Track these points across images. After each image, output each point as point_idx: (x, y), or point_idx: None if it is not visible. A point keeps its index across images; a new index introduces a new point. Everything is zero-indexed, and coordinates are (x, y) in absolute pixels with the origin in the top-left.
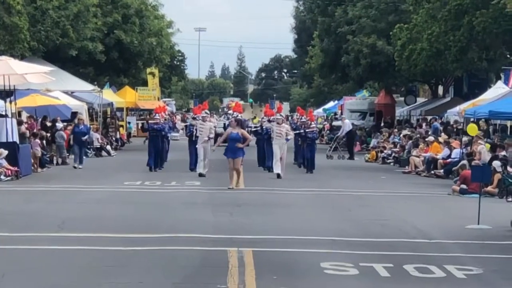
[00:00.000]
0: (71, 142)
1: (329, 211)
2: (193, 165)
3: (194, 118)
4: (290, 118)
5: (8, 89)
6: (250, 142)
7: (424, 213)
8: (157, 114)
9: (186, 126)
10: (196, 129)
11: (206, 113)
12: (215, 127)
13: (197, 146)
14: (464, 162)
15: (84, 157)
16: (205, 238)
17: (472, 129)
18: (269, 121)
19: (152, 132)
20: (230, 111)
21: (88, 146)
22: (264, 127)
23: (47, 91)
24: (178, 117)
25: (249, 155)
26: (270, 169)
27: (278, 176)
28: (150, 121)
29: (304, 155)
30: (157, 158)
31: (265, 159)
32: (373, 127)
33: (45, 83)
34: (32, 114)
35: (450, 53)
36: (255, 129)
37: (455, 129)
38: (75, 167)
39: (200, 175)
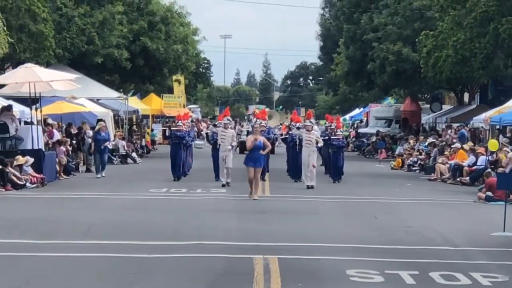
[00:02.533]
0: (91, 150)
1: (354, 219)
2: (218, 176)
3: (215, 126)
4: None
5: (34, 96)
6: (275, 150)
7: (449, 220)
8: (179, 121)
9: (207, 134)
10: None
11: (228, 119)
12: (239, 134)
13: (220, 154)
14: (489, 170)
15: (106, 165)
16: (230, 245)
17: (493, 145)
18: (297, 128)
19: (174, 139)
20: (254, 119)
21: (114, 154)
22: (290, 134)
23: (72, 98)
24: (204, 124)
25: (277, 164)
26: (298, 179)
27: (308, 187)
28: (172, 128)
29: (328, 163)
30: (179, 165)
31: (295, 168)
32: (399, 134)
33: (70, 90)
34: (54, 122)
35: (475, 60)
36: (283, 137)
37: (478, 136)
38: (98, 177)
39: (223, 185)
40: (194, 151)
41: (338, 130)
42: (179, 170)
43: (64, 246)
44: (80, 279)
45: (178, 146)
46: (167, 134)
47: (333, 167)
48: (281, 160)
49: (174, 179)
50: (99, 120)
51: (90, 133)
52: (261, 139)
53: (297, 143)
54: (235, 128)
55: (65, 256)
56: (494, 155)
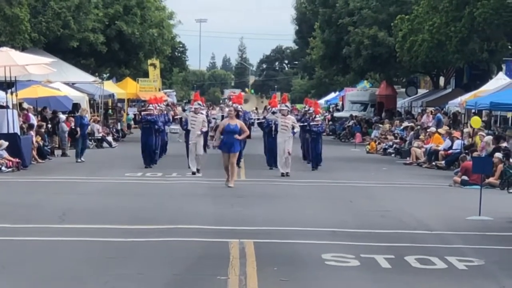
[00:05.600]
0: (77, 135)
1: (330, 203)
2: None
3: (185, 110)
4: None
5: (9, 80)
6: (252, 135)
7: (425, 204)
8: (150, 105)
9: (180, 119)
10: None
11: (198, 104)
12: (214, 119)
13: (189, 140)
14: (464, 154)
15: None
16: (206, 229)
17: (476, 122)
18: (273, 113)
19: (145, 124)
20: (230, 102)
21: (89, 138)
22: (266, 119)
23: (48, 82)
24: (179, 108)
25: (253, 149)
26: (275, 166)
27: (283, 175)
28: (143, 112)
29: (307, 149)
30: (150, 152)
31: (271, 155)
32: (374, 118)
33: (46, 75)
34: (30, 106)
35: (451, 44)
36: (259, 121)
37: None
38: (78, 162)
39: (194, 173)
40: (170, 136)
41: (317, 115)
42: (150, 156)
43: (40, 231)
44: (56, 264)
45: (149, 131)
46: (137, 118)
47: (312, 153)
48: (258, 145)
49: (146, 166)
50: (74, 105)
51: (63, 117)
52: (237, 123)
53: (273, 128)
54: (208, 113)
55: (42, 240)
56: (470, 139)
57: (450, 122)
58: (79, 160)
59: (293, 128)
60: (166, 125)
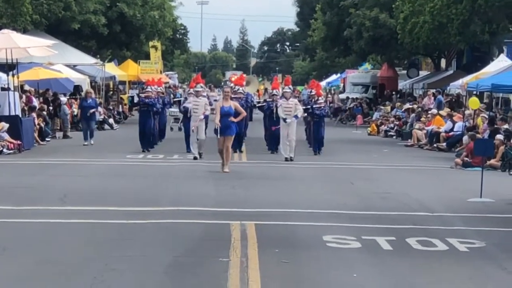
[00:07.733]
0: (78, 116)
1: (331, 185)
2: (189, 147)
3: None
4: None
5: (11, 62)
6: (253, 117)
7: (426, 186)
8: (148, 87)
9: (179, 101)
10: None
11: (201, 87)
12: (215, 100)
13: (191, 124)
14: (473, 132)
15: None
16: (207, 211)
17: (474, 103)
18: (272, 95)
19: (142, 106)
20: (232, 84)
21: None
22: (267, 102)
23: (49, 64)
24: (180, 90)
25: (255, 132)
26: (276, 151)
27: (287, 159)
28: (140, 95)
29: (310, 133)
30: (147, 136)
31: (272, 139)
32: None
33: (47, 57)
34: (32, 88)
35: (452, 26)
36: (259, 105)
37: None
38: (85, 145)
39: (195, 158)
40: (169, 119)
41: (320, 98)
42: (148, 140)
43: (41, 213)
44: (58, 246)
45: (147, 114)
46: (135, 101)
47: (314, 137)
48: (259, 128)
49: (143, 150)
50: (76, 87)
51: (64, 100)
52: (232, 104)
53: (274, 111)
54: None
55: (43, 222)
56: (471, 121)
57: (449, 104)
58: (86, 143)
59: (295, 110)
60: (166, 108)
